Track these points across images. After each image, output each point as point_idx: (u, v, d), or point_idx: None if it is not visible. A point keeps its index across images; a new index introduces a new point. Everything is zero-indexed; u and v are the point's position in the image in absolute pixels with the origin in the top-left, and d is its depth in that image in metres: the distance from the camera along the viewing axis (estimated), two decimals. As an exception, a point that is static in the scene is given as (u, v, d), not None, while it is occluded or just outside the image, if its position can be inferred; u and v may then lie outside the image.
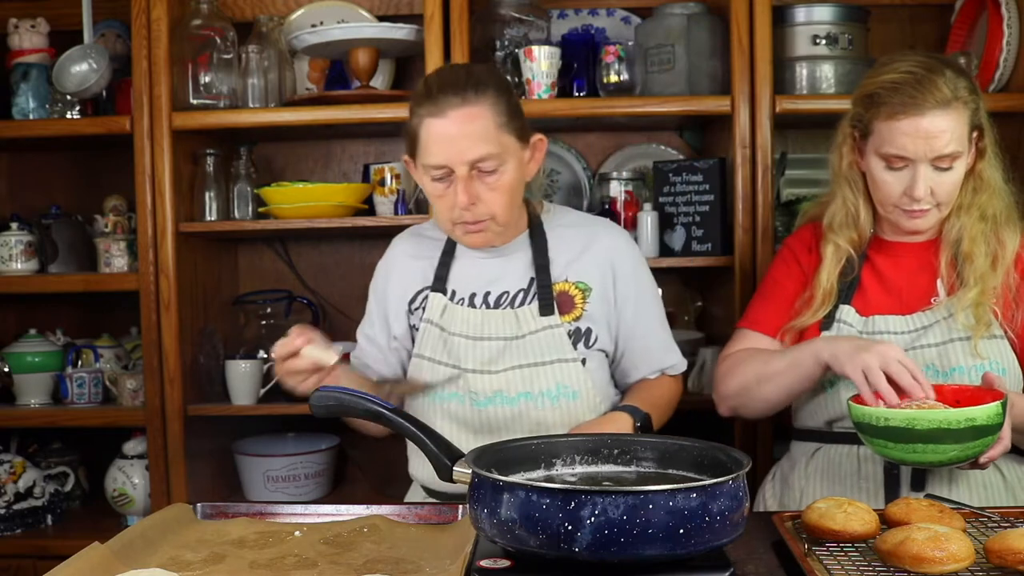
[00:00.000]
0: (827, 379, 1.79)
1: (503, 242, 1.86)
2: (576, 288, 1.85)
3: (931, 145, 1.68)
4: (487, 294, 1.86)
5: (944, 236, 1.81)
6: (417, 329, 1.88)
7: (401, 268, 1.94)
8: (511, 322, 1.82)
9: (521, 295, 1.85)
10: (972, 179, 1.78)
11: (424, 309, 1.87)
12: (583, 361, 1.82)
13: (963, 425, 1.45)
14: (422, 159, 1.76)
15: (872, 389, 1.57)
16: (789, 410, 1.92)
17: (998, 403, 1.48)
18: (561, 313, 1.83)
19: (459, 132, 1.71)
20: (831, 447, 1.82)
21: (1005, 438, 1.54)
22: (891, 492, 1.70)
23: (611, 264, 1.87)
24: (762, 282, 2.00)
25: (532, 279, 1.85)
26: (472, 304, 1.85)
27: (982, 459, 1.53)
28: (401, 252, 1.96)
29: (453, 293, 1.87)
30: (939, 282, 1.80)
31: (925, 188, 1.71)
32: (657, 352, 1.92)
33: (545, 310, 1.82)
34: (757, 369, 1.81)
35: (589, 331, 1.84)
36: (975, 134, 1.75)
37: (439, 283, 1.87)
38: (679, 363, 1.95)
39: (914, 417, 1.46)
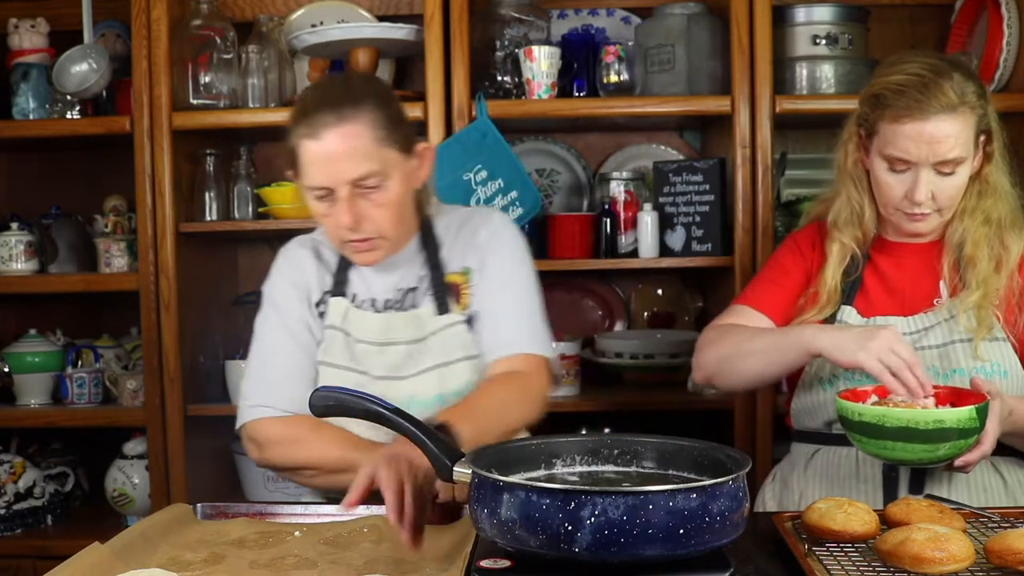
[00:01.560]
0: (826, 379, 1.79)
1: (395, 252, 1.80)
2: (460, 275, 1.81)
3: (934, 150, 1.66)
4: (387, 298, 1.82)
5: (947, 239, 1.79)
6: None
7: (303, 272, 1.85)
8: (412, 324, 1.79)
9: (418, 292, 1.81)
10: (978, 183, 1.76)
11: (325, 316, 1.82)
12: None
13: (931, 426, 1.46)
14: (303, 180, 1.71)
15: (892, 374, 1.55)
16: (788, 412, 1.92)
17: (971, 408, 1.48)
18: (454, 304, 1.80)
19: (336, 152, 1.65)
20: (830, 449, 1.81)
21: (985, 443, 1.53)
22: (889, 494, 1.69)
23: (488, 245, 1.82)
24: (765, 266, 1.96)
25: (422, 276, 1.81)
26: (375, 307, 1.82)
27: (957, 462, 1.53)
28: (300, 256, 1.86)
29: (355, 296, 1.83)
30: (942, 284, 1.79)
31: (926, 192, 1.70)
32: (507, 333, 1.79)
33: (441, 309, 1.79)
34: (739, 343, 1.78)
35: (479, 315, 1.80)
36: (982, 138, 1.73)
37: (339, 287, 1.83)
38: (530, 348, 1.80)
39: (884, 414, 1.49)
